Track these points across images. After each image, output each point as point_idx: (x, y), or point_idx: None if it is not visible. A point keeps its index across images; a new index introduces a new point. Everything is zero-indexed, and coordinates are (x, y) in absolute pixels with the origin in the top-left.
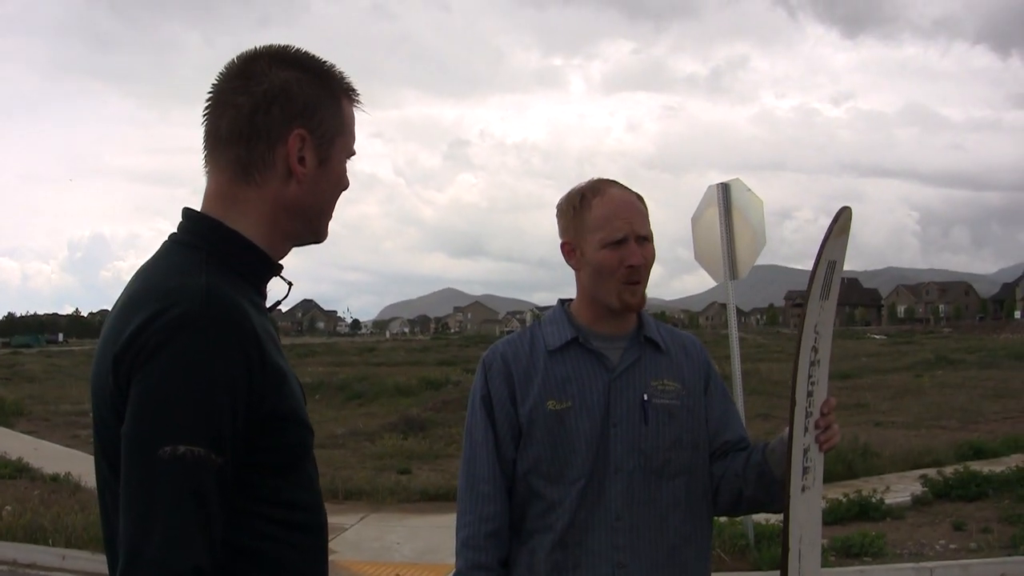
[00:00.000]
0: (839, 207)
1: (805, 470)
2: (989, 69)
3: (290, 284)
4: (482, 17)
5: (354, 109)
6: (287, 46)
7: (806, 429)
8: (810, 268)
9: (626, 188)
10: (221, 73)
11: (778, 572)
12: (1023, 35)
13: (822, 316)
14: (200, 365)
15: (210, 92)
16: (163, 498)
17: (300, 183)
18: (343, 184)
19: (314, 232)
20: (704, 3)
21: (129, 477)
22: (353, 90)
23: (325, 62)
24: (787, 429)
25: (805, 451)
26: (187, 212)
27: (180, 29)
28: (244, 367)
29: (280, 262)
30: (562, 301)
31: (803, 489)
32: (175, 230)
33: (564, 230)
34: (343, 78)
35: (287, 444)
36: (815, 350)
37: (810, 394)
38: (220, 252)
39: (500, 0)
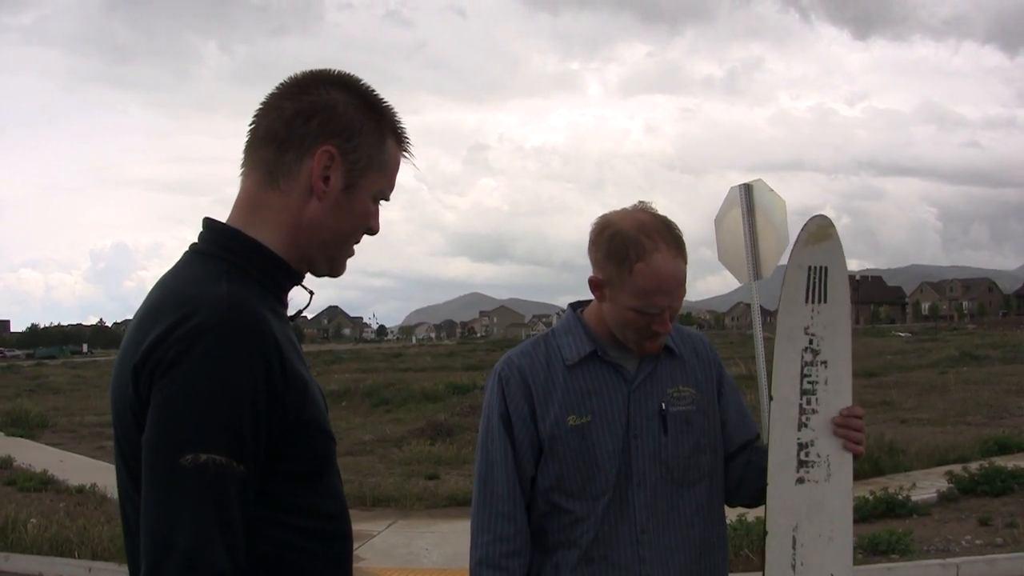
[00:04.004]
0: (860, 206)
1: (802, 463)
2: (1000, 68)
3: (311, 293)
4: (497, 23)
5: (401, 156)
6: (354, 76)
7: (804, 425)
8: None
9: (673, 246)
10: (282, 82)
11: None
12: None
13: (817, 319)
14: (221, 373)
15: (265, 97)
16: (185, 507)
17: (320, 201)
18: (367, 222)
19: (328, 261)
20: (717, 5)
21: (151, 486)
22: (404, 135)
23: (384, 100)
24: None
25: (803, 445)
26: (207, 222)
27: (197, 38)
28: (265, 376)
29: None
30: (573, 306)
31: (799, 481)
32: (195, 240)
33: (596, 265)
34: (397, 120)
35: (309, 453)
36: (814, 351)
37: (808, 391)
38: (241, 261)
39: (514, 5)
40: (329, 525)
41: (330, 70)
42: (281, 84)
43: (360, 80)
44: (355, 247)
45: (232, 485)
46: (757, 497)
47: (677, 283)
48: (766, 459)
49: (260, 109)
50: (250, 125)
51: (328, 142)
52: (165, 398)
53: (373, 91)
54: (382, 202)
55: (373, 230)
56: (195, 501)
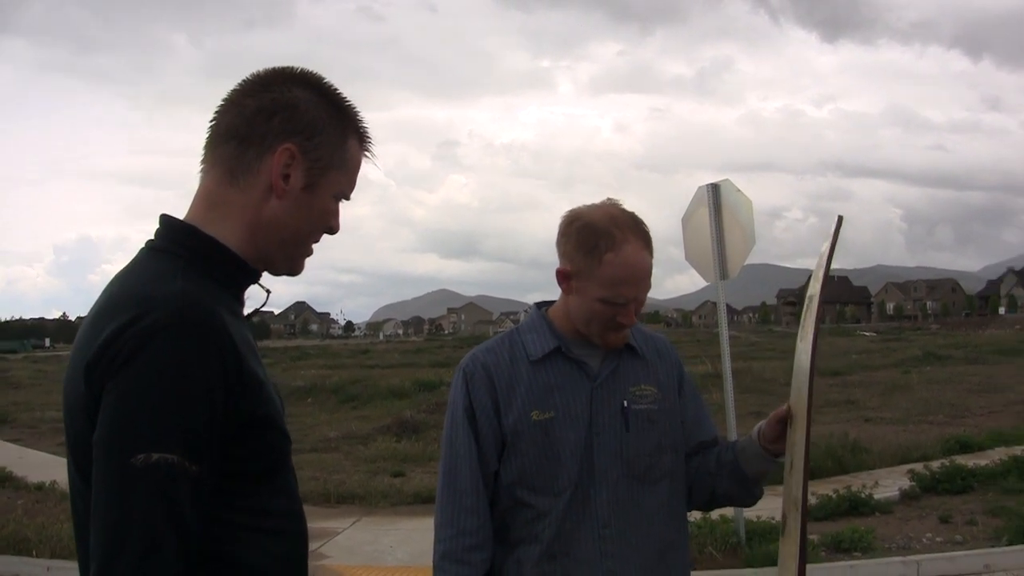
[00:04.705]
0: (827, 207)
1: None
2: (965, 72)
3: (268, 291)
4: (469, 19)
5: (363, 156)
6: (317, 74)
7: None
8: (803, 267)
9: (641, 239)
10: (244, 79)
11: (771, 568)
12: (993, 39)
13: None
14: (175, 372)
15: (227, 94)
16: (137, 507)
17: (280, 199)
18: (328, 221)
19: (287, 260)
20: (688, 6)
21: (101, 486)
22: (366, 135)
23: (347, 99)
24: (767, 424)
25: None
26: (164, 219)
27: (165, 30)
28: (220, 374)
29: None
30: (539, 305)
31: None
32: (152, 237)
33: (565, 257)
34: (360, 120)
35: (264, 452)
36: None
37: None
38: (197, 259)
39: (486, 2)
40: (284, 524)
41: (293, 68)
42: (243, 81)
43: (323, 78)
44: (315, 246)
45: (184, 485)
46: (708, 501)
47: (644, 275)
48: (725, 461)
49: (221, 106)
50: (211, 121)
51: (289, 140)
52: (117, 396)
53: (336, 90)
54: (343, 201)
55: (333, 229)
56: (146, 501)
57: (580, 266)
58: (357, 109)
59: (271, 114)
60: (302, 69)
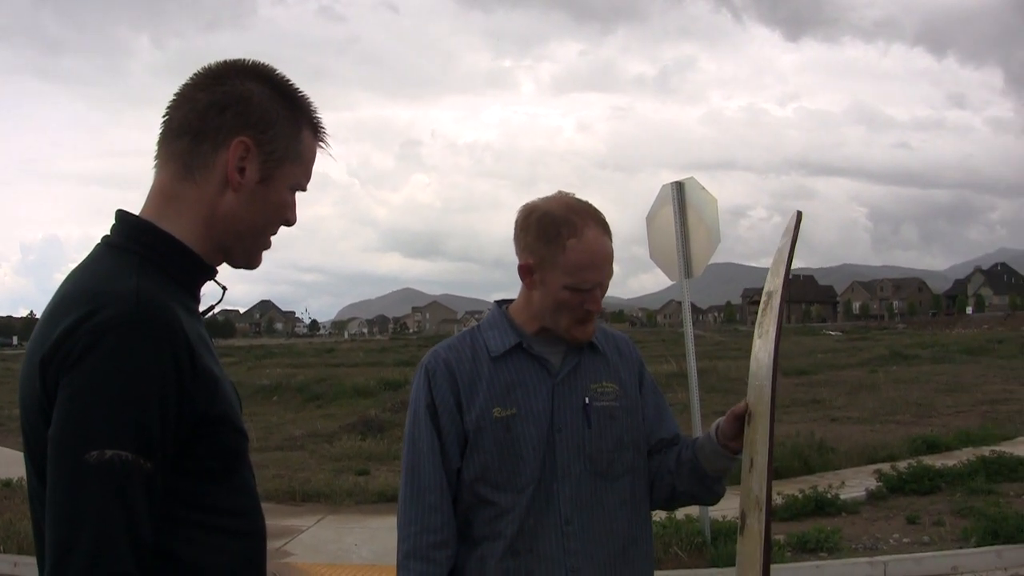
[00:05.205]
0: (792, 205)
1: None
2: (929, 70)
3: (224, 288)
4: (430, 19)
5: (317, 146)
6: (269, 65)
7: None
8: (768, 266)
9: (600, 225)
10: (195, 73)
11: (734, 568)
12: (957, 37)
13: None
14: (129, 369)
15: (179, 88)
16: (90, 504)
17: (236, 192)
18: (284, 214)
19: (244, 253)
20: (649, 5)
21: (55, 482)
22: (320, 126)
23: (300, 91)
24: (725, 421)
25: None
26: (120, 214)
27: (128, 32)
28: (174, 371)
29: (216, 267)
30: (499, 303)
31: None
32: (107, 232)
33: (526, 250)
34: (313, 110)
35: (220, 449)
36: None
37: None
38: (152, 255)
39: (447, 3)
40: (241, 523)
41: (244, 60)
42: (195, 75)
43: (275, 70)
44: (279, 245)
45: (138, 482)
46: (669, 499)
47: (607, 259)
48: (684, 459)
49: (173, 101)
50: (163, 117)
51: (243, 133)
52: (71, 393)
53: (288, 81)
54: (299, 193)
55: (290, 221)
56: (99, 499)
57: (543, 256)
58: (310, 100)
59: (224, 108)
60: (253, 61)
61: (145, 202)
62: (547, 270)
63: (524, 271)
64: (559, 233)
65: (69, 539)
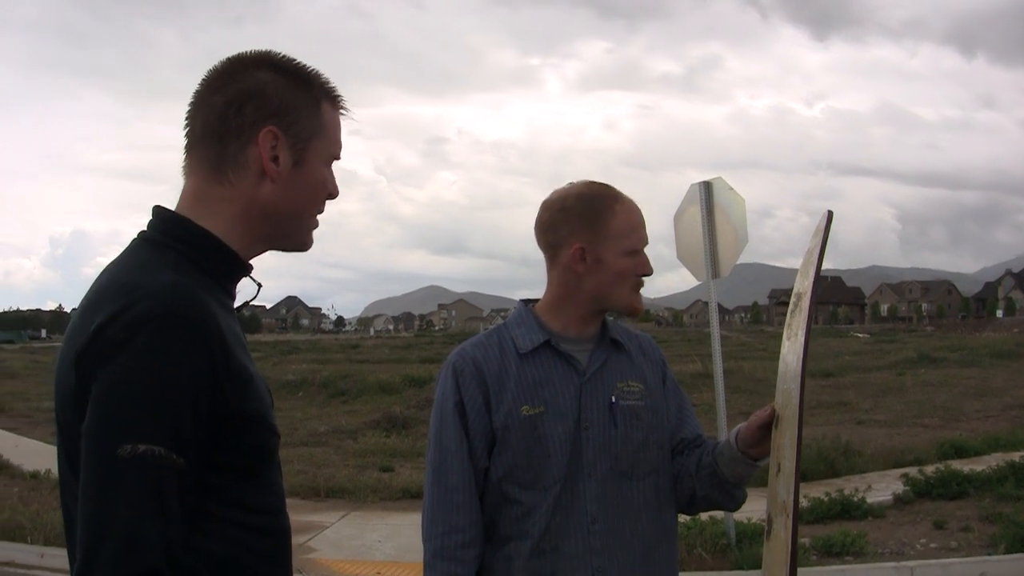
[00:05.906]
0: (818, 206)
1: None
2: (958, 70)
3: (259, 285)
4: (456, 16)
5: (339, 115)
6: (270, 51)
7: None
8: (794, 266)
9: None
10: (203, 77)
11: (759, 571)
12: (987, 37)
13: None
14: (163, 363)
15: (192, 96)
16: (122, 498)
17: (274, 182)
18: (326, 189)
19: (290, 236)
20: (675, 3)
21: (88, 476)
22: (336, 95)
23: (307, 67)
24: (746, 427)
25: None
26: (157, 210)
27: (154, 27)
28: (208, 367)
29: (251, 262)
30: (524, 302)
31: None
32: (144, 227)
33: (572, 235)
34: (325, 82)
35: (251, 447)
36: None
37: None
38: (188, 250)
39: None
40: (269, 521)
41: (246, 53)
42: (204, 79)
43: (278, 54)
44: (319, 217)
45: (170, 477)
46: (690, 503)
47: (644, 221)
48: (704, 464)
49: (190, 109)
50: (185, 126)
51: (267, 123)
52: (105, 387)
53: (294, 60)
54: (336, 162)
55: (333, 194)
56: (132, 493)
57: (594, 231)
58: (320, 73)
59: (241, 104)
60: (255, 52)
61: (178, 202)
62: (601, 244)
63: (576, 256)
64: (603, 203)
65: (100, 532)
